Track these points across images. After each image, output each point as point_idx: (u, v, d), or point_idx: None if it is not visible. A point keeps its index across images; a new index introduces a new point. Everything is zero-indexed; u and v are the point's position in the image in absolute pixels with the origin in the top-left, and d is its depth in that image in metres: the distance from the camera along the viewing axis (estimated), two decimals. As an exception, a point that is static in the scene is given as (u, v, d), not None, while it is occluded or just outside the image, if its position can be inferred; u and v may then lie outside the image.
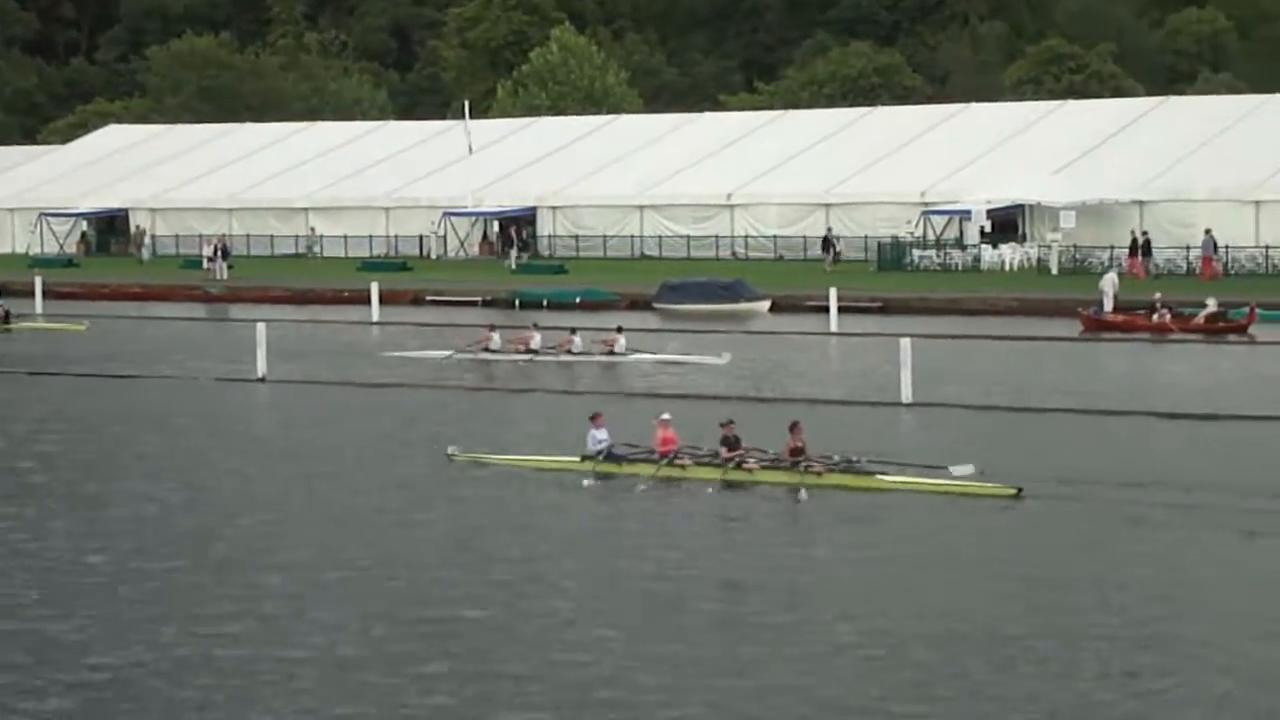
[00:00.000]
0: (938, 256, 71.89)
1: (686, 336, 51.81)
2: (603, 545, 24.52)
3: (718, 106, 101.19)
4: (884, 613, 20.30)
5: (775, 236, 77.57)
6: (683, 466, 28.78)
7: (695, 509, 26.80)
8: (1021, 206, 72.44)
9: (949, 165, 76.23)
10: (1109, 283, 56.58)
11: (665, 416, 29.76)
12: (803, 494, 27.02)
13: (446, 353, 47.79)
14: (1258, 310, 52.86)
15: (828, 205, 76.94)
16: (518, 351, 47.04)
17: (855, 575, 22.57)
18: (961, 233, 72.79)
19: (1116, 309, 54.78)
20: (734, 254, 77.65)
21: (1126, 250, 66.37)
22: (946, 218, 73.44)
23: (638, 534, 25.10)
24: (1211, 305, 52.96)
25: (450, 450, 30.97)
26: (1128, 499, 26.63)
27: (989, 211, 71.11)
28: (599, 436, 29.53)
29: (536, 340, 47.32)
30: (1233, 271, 65.44)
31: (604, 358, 46.32)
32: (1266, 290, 59.04)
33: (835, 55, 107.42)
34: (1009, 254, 70.47)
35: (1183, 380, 42.48)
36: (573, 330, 47.41)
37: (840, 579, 22.47)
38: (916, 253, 72.04)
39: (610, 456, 29.38)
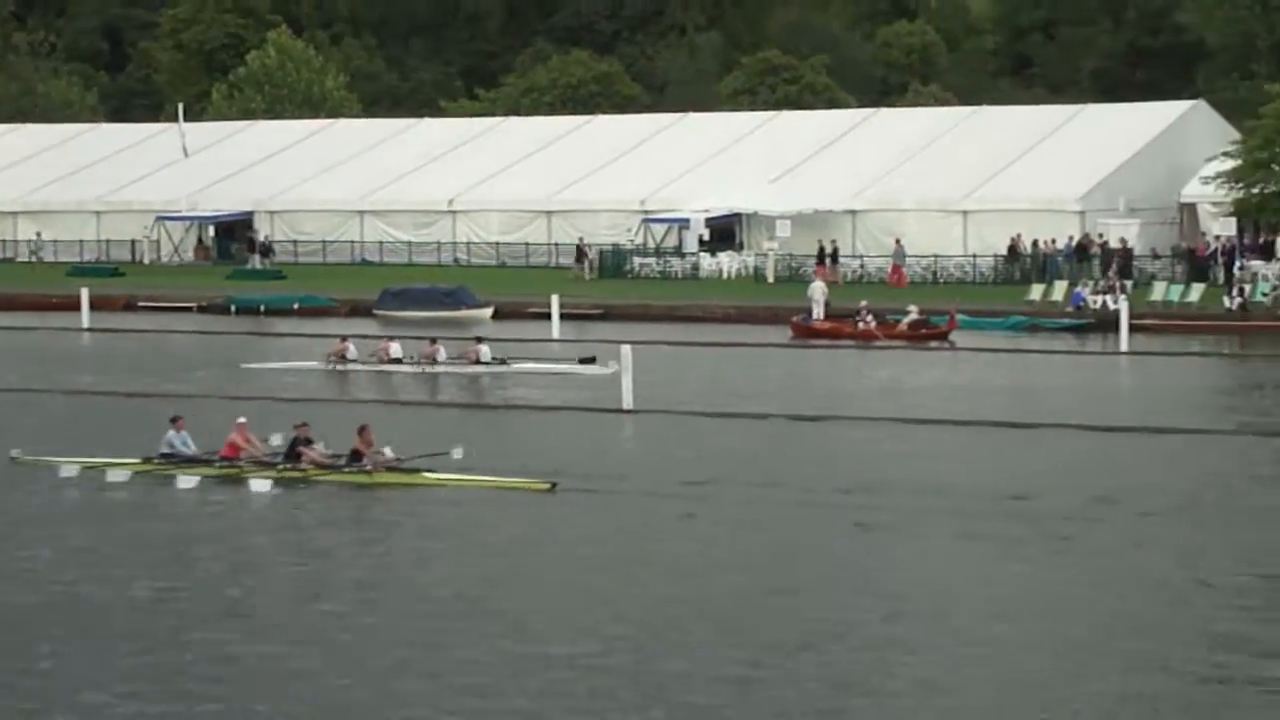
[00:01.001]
0: (658, 264, 72.65)
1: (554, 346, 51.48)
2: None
3: (438, 112, 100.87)
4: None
5: (497, 243, 77.62)
6: (239, 470, 29.66)
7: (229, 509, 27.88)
8: (739, 215, 73.54)
9: (668, 174, 77.05)
10: (818, 290, 58.03)
11: (241, 420, 30.71)
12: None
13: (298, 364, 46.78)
14: (958, 317, 54.63)
15: (549, 212, 77.26)
16: (380, 362, 46.29)
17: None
18: (681, 240, 73.63)
19: (827, 316, 56.17)
20: (456, 260, 77.51)
21: (827, 258, 67.89)
22: (666, 225, 74.23)
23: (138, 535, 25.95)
24: (914, 312, 54.63)
25: (13, 453, 31.29)
26: (694, 493, 28.32)
27: (707, 220, 72.07)
28: (172, 439, 30.36)
29: (396, 349, 46.71)
30: (942, 280, 67.26)
31: (471, 369, 45.19)
32: (972, 297, 60.87)
33: (555, 63, 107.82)
34: (727, 262, 71.50)
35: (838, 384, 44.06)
36: (433, 340, 46.71)
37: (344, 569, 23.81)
38: (637, 260, 72.71)
39: (166, 458, 30.24)
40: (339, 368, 46.25)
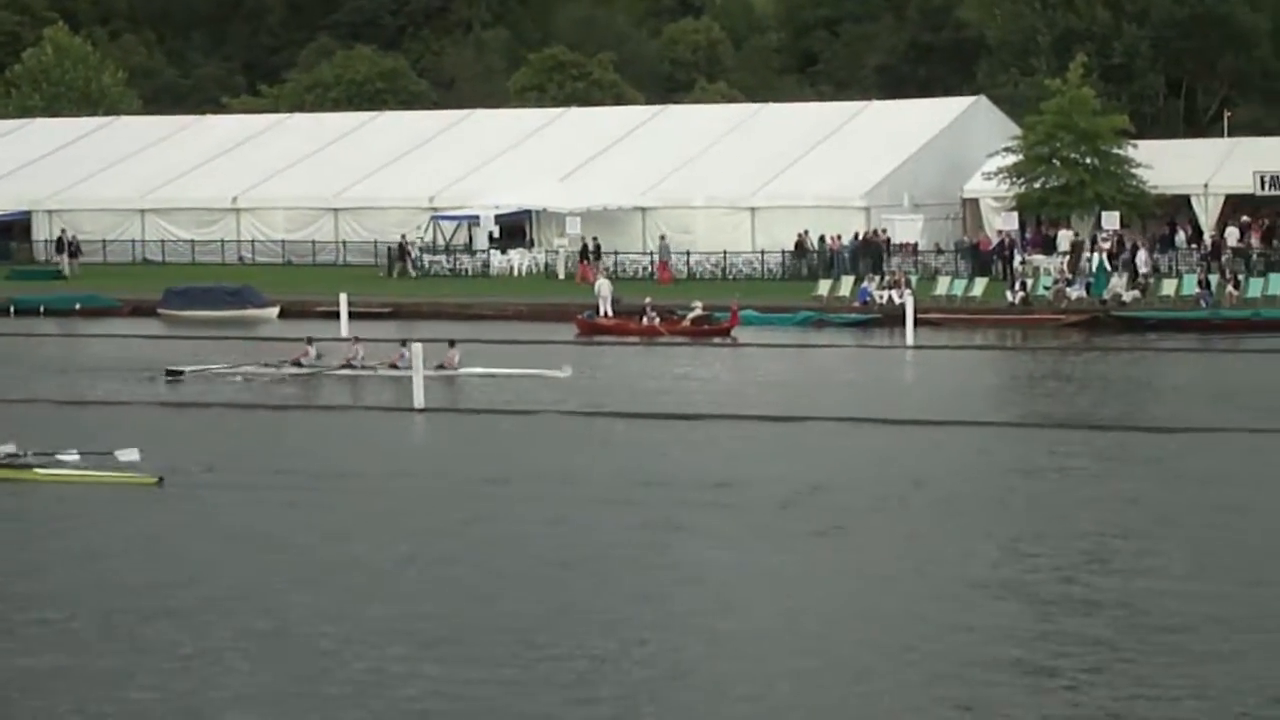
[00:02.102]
0: (448, 261, 72.16)
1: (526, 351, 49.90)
2: None
3: (220, 109, 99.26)
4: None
5: (283, 241, 76.55)
6: None
7: None
8: (529, 212, 73.28)
9: (457, 171, 76.57)
10: (605, 287, 58.31)
11: None
12: None
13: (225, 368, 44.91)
14: (744, 312, 55.05)
15: (336, 210, 76.37)
16: (296, 364, 44.62)
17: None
18: (471, 238, 73.20)
19: (617, 313, 56.35)
20: (241, 259, 76.31)
21: (590, 255, 68.20)
22: (456, 223, 73.72)
23: None
24: (698, 308, 54.99)
25: None
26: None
27: (497, 217, 71.73)
28: None
29: (312, 355, 45.08)
30: (731, 276, 67.62)
31: (436, 373, 43.20)
32: (760, 294, 61.30)
33: (339, 59, 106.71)
34: (517, 259, 71.23)
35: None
36: (404, 343, 44.66)
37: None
38: (426, 258, 72.12)
39: None
40: (290, 372, 44.30)
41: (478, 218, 71.92)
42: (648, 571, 22.93)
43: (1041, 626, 20.04)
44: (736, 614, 20.76)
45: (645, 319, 54.79)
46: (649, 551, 24.07)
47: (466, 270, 71.36)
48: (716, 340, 53.23)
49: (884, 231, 67.35)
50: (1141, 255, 62.32)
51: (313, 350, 45.09)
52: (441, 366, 43.38)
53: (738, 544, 24.39)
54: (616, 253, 69.20)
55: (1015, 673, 18.36)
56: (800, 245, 67.64)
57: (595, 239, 69.22)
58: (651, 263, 68.72)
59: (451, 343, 45.29)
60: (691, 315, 54.89)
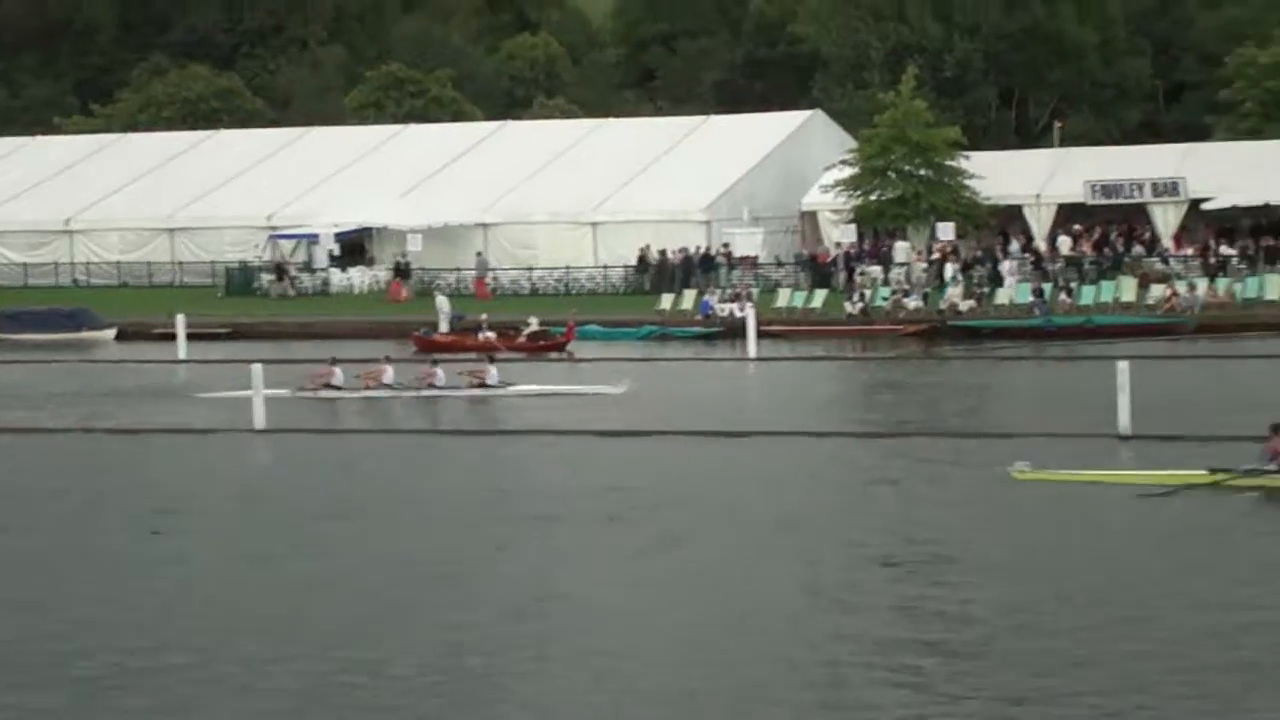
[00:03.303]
0: (279, 281, 71.54)
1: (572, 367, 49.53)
2: None
3: (52, 130, 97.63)
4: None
5: (118, 262, 75.50)
6: None
7: None
8: (369, 229, 72.89)
9: (295, 189, 75.96)
10: (444, 304, 58.42)
11: None
12: None
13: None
14: (582, 328, 55.27)
15: (172, 230, 75.48)
16: (368, 388, 43.14)
17: None
18: (310, 256, 72.65)
19: (455, 330, 56.40)
20: (75, 281, 75.17)
21: (393, 275, 68.67)
22: (294, 241, 73.15)
23: None
24: (534, 324, 55.14)
25: None
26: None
27: (336, 235, 71.29)
28: None
29: (389, 374, 43.67)
30: (574, 291, 67.69)
31: (473, 391, 42.88)
32: (604, 308, 61.45)
33: (173, 77, 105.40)
34: (358, 277, 70.82)
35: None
36: (434, 362, 44.21)
37: None
38: (265, 277, 71.46)
39: None
40: (320, 395, 42.92)
41: (316, 236, 71.43)
42: (463, 587, 22.88)
43: (883, 633, 20.20)
44: (556, 629, 20.70)
45: (481, 335, 54.85)
46: (475, 568, 24.05)
47: (306, 289, 70.82)
48: (553, 355, 53.30)
49: (725, 246, 67.75)
50: (1006, 265, 63.21)
51: (338, 371, 43.61)
52: (483, 384, 42.91)
53: (566, 559, 24.43)
54: (458, 269, 69.05)
55: (853, 680, 18.49)
56: (643, 259, 67.87)
57: (404, 255, 69.08)
58: (495, 278, 68.65)
59: (492, 358, 44.80)
60: (528, 331, 55.01)
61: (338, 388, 43.02)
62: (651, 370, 48.89)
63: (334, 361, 43.74)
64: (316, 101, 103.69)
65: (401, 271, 68.68)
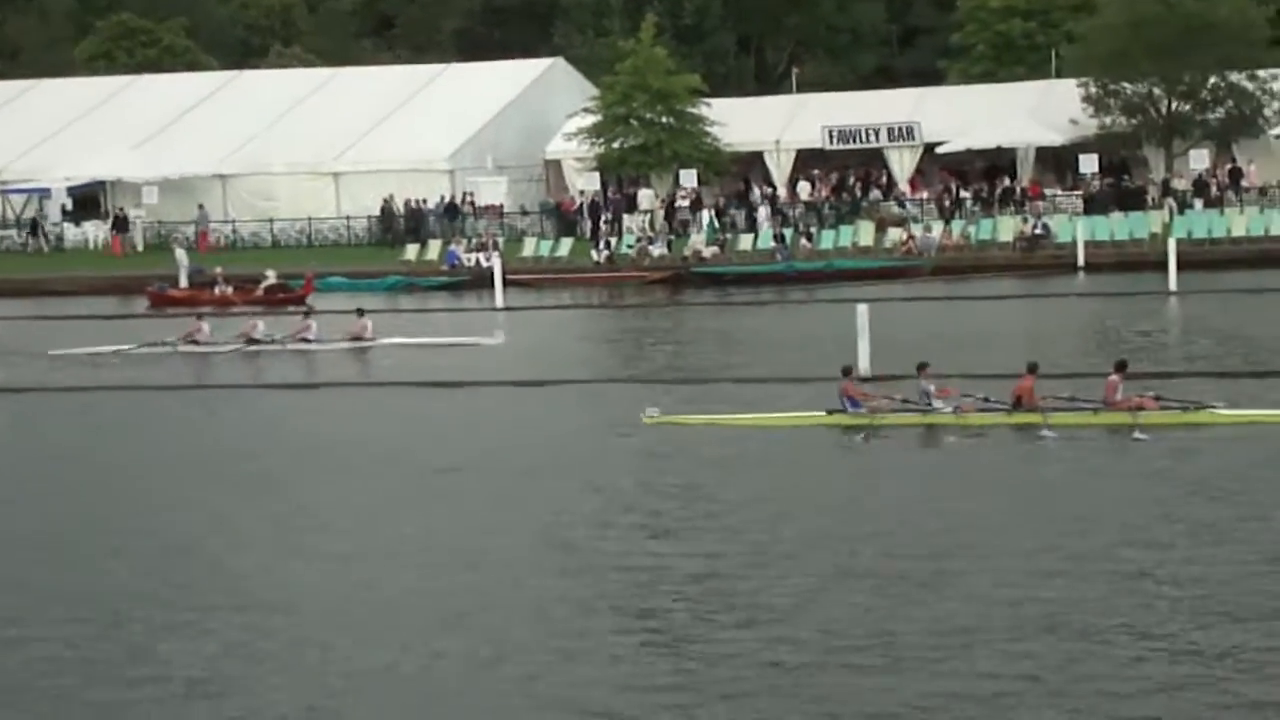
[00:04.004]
0: (19, 237, 69.68)
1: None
2: None
3: None
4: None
5: None
6: None
7: None
8: (103, 183, 71.24)
9: (25, 142, 73.83)
10: (182, 257, 57.66)
11: None
12: None
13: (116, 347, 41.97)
14: (326, 280, 54.82)
15: (-105, 187, 73.08)
16: (245, 342, 42.15)
17: None
18: (42, 211, 70.80)
19: (192, 284, 55.68)
20: None
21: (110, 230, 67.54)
22: (26, 196, 71.23)
23: None
24: (271, 277, 54.59)
25: None
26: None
27: (70, 189, 69.56)
28: None
29: (260, 328, 42.58)
30: (316, 243, 66.96)
31: (348, 344, 41.72)
32: (348, 260, 60.92)
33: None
34: (93, 231, 69.21)
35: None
36: (307, 314, 42.97)
37: None
38: (14, 233, 69.53)
39: None
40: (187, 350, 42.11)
41: (48, 191, 69.64)
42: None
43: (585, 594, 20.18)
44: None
45: (218, 289, 54.12)
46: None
47: (40, 246, 69.06)
48: (291, 309, 52.67)
49: (469, 195, 67.49)
50: (762, 211, 63.80)
51: (206, 326, 42.87)
52: (358, 338, 42.15)
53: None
54: (195, 223, 67.89)
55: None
56: (386, 210, 67.29)
57: (122, 209, 67.91)
58: (234, 230, 67.56)
59: (360, 311, 43.56)
60: (265, 284, 54.34)
61: (205, 344, 42.39)
62: (392, 321, 48.14)
63: (200, 317, 43.42)
64: (45, 52, 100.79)
65: (119, 224, 67.37)
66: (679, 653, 17.50)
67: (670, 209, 65.25)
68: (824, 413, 29.15)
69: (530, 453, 28.01)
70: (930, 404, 28.82)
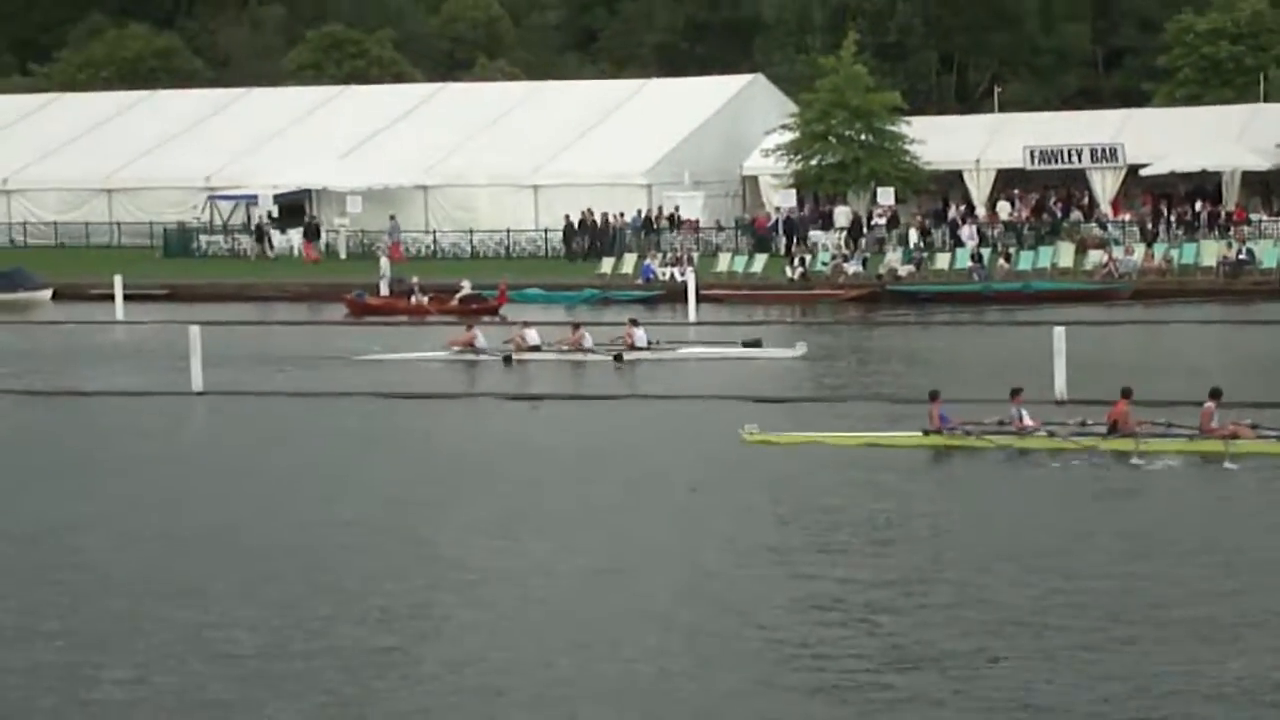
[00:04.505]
0: (226, 242, 71.26)
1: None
2: None
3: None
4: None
5: (55, 223, 75.03)
6: None
7: None
8: (308, 192, 72.59)
9: (234, 150, 75.54)
10: (385, 266, 58.49)
11: None
12: None
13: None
14: (523, 291, 55.40)
15: (110, 190, 75.08)
16: (517, 349, 42.43)
17: None
18: (249, 217, 72.34)
19: (394, 293, 56.53)
20: (12, 241, 74.66)
21: (302, 237, 68.93)
22: (234, 203, 72.83)
23: None
24: (466, 287, 55.19)
25: None
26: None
27: (276, 197, 70.97)
28: None
29: (532, 336, 42.88)
30: (515, 255, 67.70)
31: (628, 353, 41.84)
32: (545, 272, 61.48)
33: (111, 37, 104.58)
34: (297, 239, 70.55)
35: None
36: (576, 326, 43.60)
37: None
38: (204, 238, 71.16)
39: None
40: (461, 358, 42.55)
41: (255, 197, 71.13)
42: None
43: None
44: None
45: (414, 299, 54.93)
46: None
47: (245, 251, 70.57)
48: (486, 319, 53.28)
49: (676, 209, 67.70)
50: (965, 230, 63.34)
51: (479, 334, 43.14)
52: (627, 347, 42.05)
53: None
54: (388, 233, 68.94)
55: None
56: (584, 223, 67.75)
57: (313, 217, 69.19)
58: (435, 241, 68.49)
59: (633, 321, 43.72)
60: (460, 294, 55.01)
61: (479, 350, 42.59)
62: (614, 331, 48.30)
63: (470, 326, 43.82)
64: (256, 62, 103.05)
65: (310, 232, 68.64)
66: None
67: (854, 226, 64.85)
68: (920, 433, 29.39)
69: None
70: (1022, 427, 28.93)
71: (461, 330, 44.46)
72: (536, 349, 42.48)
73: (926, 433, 29.36)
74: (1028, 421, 29.00)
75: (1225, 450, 27.35)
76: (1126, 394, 28.63)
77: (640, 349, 42.14)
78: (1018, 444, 28.75)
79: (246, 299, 58.77)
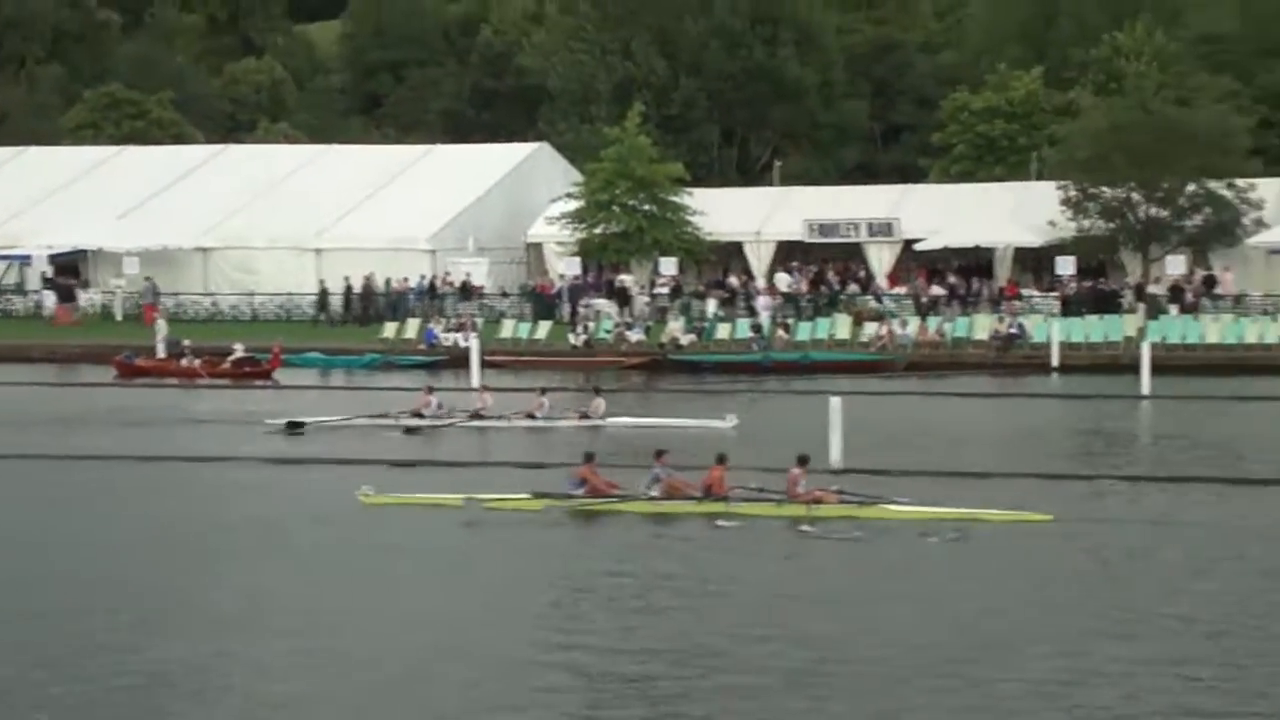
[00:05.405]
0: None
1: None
2: None
3: None
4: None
5: None
6: None
7: None
8: (84, 252, 71.40)
9: (8, 209, 74.05)
10: (163, 328, 57.89)
11: None
12: None
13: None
14: (285, 355, 55.05)
15: (-124, 251, 73.22)
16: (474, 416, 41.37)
17: None
18: (23, 278, 70.96)
19: (170, 354, 56.03)
20: None
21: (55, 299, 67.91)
22: (6, 263, 71.43)
23: None
24: (239, 350, 54.78)
25: None
26: None
27: (51, 257, 69.72)
28: None
29: (488, 403, 42.01)
30: (296, 318, 67.15)
31: (579, 423, 40.79)
32: (327, 336, 61.04)
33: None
34: (50, 300, 69.18)
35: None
36: (542, 390, 42.26)
37: None
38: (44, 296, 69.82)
39: None
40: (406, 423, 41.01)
41: (29, 258, 69.81)
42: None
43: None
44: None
45: (185, 361, 54.33)
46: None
47: (18, 311, 69.21)
48: (258, 382, 52.87)
49: (468, 276, 67.56)
50: (761, 301, 63.90)
51: (434, 400, 41.98)
52: (585, 416, 41.32)
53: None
54: (177, 294, 68.09)
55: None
56: (367, 288, 67.43)
57: (68, 280, 69.08)
58: (215, 304, 67.71)
59: (597, 390, 43.41)
60: (232, 357, 54.56)
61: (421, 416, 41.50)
62: (361, 399, 47.94)
63: (430, 390, 42.57)
64: (32, 121, 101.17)
65: (65, 294, 67.62)
66: None
67: (621, 294, 65.15)
68: (530, 495, 30.18)
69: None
70: (652, 491, 29.93)
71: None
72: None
73: (538, 495, 30.02)
74: (653, 490, 29.85)
75: (807, 514, 28.72)
76: (722, 460, 30.06)
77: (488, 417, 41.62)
78: (620, 507, 29.57)
79: (19, 360, 57.55)
